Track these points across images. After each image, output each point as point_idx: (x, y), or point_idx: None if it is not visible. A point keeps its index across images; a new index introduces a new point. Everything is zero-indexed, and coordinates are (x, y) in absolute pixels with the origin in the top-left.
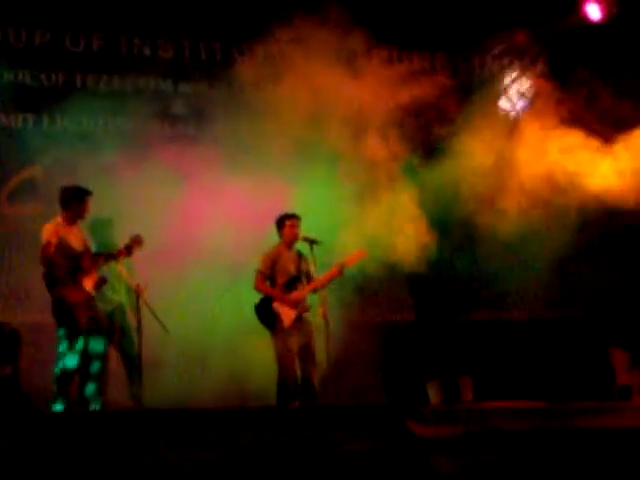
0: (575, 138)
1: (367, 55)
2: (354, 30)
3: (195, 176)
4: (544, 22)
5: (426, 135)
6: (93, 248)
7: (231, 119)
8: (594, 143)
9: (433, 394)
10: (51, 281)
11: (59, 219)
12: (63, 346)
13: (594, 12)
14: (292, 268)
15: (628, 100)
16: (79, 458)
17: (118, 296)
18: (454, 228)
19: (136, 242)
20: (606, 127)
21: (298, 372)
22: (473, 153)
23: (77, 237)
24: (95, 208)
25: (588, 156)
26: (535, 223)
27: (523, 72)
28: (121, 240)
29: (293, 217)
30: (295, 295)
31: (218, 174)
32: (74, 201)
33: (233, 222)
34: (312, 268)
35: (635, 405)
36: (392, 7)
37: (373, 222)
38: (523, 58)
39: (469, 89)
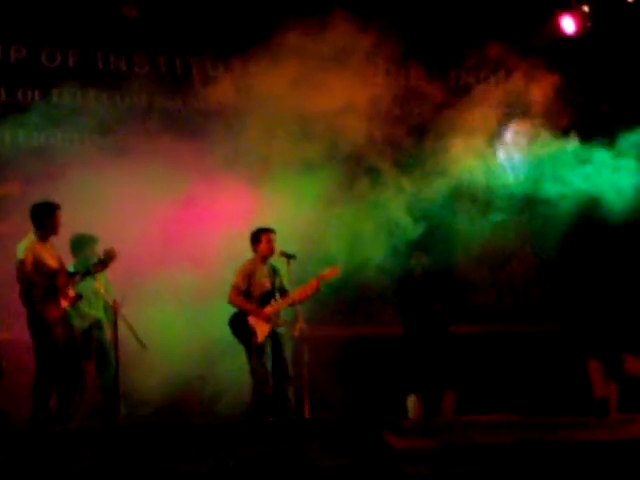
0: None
1: (342, 68)
2: (332, 44)
3: (174, 190)
4: (519, 35)
5: (406, 147)
6: (71, 264)
7: (207, 134)
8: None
9: (412, 407)
10: (28, 299)
11: (32, 236)
12: (41, 362)
13: (569, 25)
14: (267, 283)
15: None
16: (57, 475)
17: (95, 312)
18: (435, 242)
19: (109, 256)
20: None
21: (273, 386)
22: (454, 168)
23: (51, 254)
24: (73, 224)
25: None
26: (515, 237)
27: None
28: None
29: (269, 231)
30: (270, 309)
31: (196, 189)
32: (45, 217)
33: (210, 235)
34: (285, 282)
35: (612, 419)
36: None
37: (352, 236)
38: (498, 71)
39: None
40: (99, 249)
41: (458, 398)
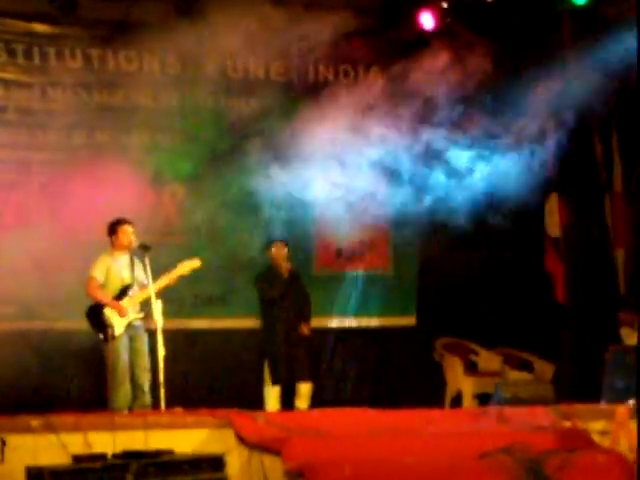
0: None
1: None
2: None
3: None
4: (378, 31)
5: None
6: None
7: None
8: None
9: (269, 399)
10: None
11: None
12: None
13: (427, 21)
14: (125, 275)
15: None
16: None
17: None
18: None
19: None
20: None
21: (130, 378)
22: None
23: None
24: None
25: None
26: None
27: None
28: None
29: (126, 222)
30: (127, 302)
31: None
32: None
33: (69, 226)
34: (144, 275)
35: (464, 411)
36: None
37: (215, 227)
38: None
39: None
40: None
41: (317, 391)
